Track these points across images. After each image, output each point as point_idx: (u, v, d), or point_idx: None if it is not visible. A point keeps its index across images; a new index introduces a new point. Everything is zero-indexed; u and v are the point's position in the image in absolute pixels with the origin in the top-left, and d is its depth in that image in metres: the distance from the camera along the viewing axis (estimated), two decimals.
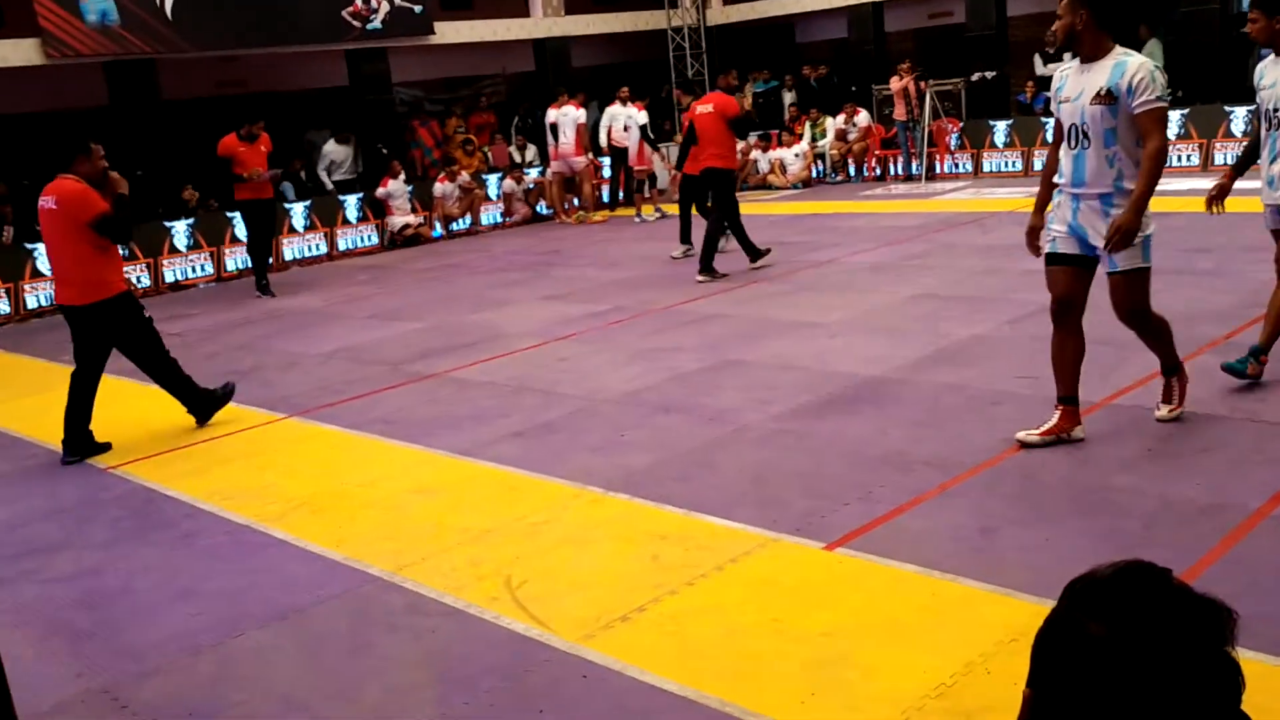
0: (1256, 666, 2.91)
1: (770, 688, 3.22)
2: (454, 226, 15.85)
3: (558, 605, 3.89)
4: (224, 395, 6.84)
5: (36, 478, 6.15)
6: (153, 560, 4.74)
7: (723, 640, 3.53)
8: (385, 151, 15.27)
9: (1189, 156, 14.14)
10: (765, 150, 17.60)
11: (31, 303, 12.59)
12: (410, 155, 16.97)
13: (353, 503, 5.18)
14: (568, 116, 15.32)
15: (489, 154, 17.56)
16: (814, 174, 17.32)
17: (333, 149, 15.75)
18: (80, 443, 6.36)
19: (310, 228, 14.86)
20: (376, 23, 15.95)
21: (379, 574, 4.31)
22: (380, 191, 15.13)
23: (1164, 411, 5.09)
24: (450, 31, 17.12)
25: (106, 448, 6.42)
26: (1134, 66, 4.52)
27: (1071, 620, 1.02)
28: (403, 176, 15.32)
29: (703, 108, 10.31)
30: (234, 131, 11.79)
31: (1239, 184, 5.57)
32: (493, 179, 16.64)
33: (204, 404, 6.74)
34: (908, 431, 5.34)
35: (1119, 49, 4.63)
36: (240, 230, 13.39)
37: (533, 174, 16.77)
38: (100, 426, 6.38)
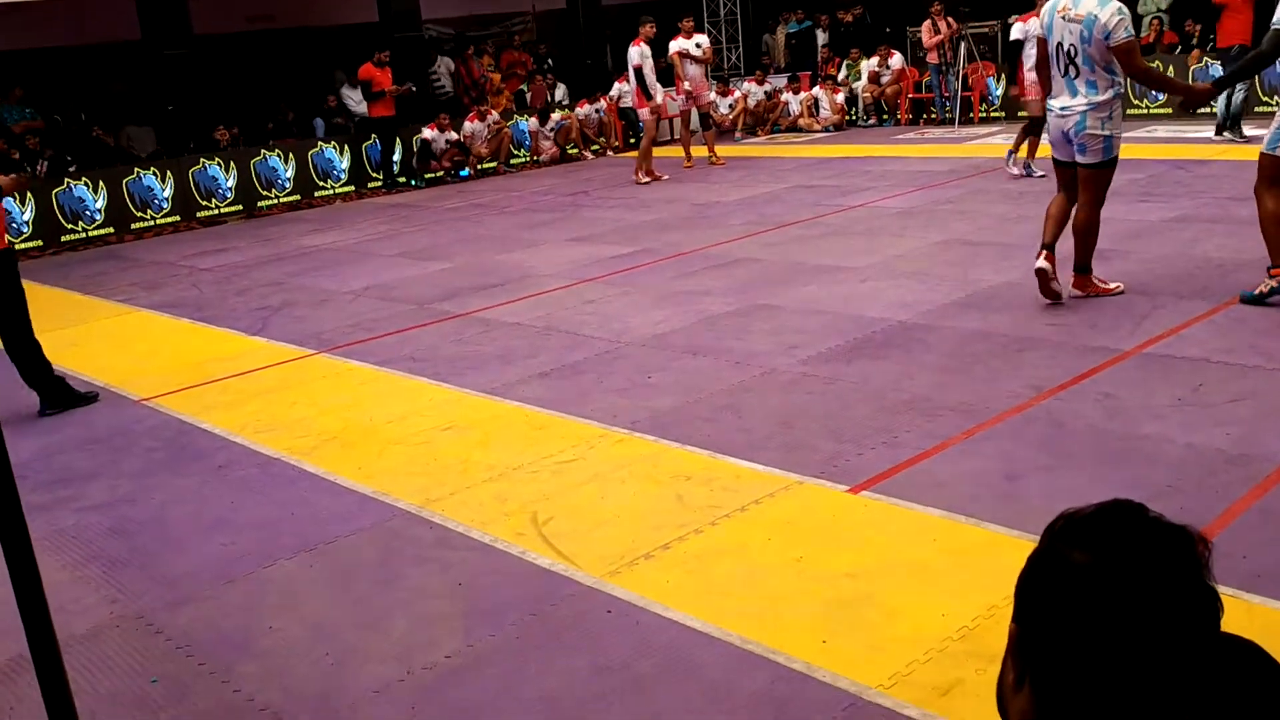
0: None
1: (792, 627, 3.26)
2: (481, 166, 15.80)
3: (583, 542, 3.93)
4: (83, 396, 6.26)
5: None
6: (186, 491, 4.82)
7: (746, 579, 3.57)
8: (413, 90, 15.18)
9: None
10: (796, 92, 17.38)
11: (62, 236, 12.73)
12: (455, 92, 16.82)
13: (382, 438, 5.23)
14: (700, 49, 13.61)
15: (528, 93, 17.38)
16: (846, 117, 17.12)
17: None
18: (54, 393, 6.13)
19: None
20: None
21: (407, 508, 4.37)
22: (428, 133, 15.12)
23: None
24: None
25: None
26: None
27: (1055, 552, 1.04)
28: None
29: None
30: (368, 61, 14.39)
31: None
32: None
33: (57, 393, 6.18)
34: (935, 377, 5.32)
35: None
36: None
37: (557, 115, 16.60)
38: (134, 360, 6.44)
